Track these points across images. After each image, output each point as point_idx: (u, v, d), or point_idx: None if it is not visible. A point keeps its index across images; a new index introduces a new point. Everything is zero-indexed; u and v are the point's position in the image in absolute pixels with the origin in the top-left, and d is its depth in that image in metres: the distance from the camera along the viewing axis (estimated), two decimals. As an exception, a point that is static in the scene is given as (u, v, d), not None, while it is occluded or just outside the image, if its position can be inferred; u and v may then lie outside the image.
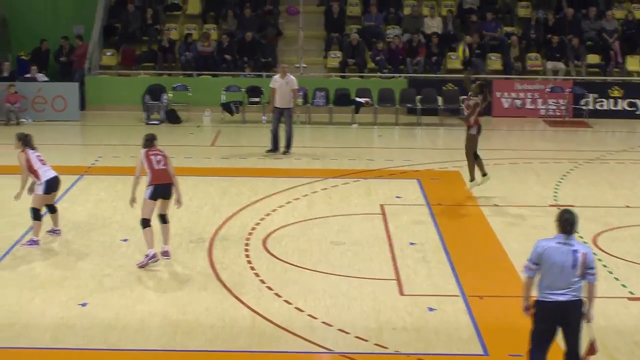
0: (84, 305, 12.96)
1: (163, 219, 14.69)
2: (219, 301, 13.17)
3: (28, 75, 28.39)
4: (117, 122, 27.18)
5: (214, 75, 29.10)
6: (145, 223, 14.39)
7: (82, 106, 28.10)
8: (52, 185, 15.25)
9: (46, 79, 28.53)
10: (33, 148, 15.32)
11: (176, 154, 21.87)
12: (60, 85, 28.14)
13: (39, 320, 12.50)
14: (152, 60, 29.82)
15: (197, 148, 23.70)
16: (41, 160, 15.20)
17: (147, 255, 14.40)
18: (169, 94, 27.75)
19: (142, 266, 14.34)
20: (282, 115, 22.78)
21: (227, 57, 29.46)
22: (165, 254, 14.69)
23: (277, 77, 23.01)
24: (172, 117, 27.17)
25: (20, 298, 13.22)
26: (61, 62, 30.13)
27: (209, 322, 12.43)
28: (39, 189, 15.11)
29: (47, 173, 15.15)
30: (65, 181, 17.19)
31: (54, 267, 14.60)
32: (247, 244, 15.68)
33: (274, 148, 22.94)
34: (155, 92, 27.56)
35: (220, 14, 31.13)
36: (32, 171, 15.08)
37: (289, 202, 18.37)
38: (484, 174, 18.90)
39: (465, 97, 19.98)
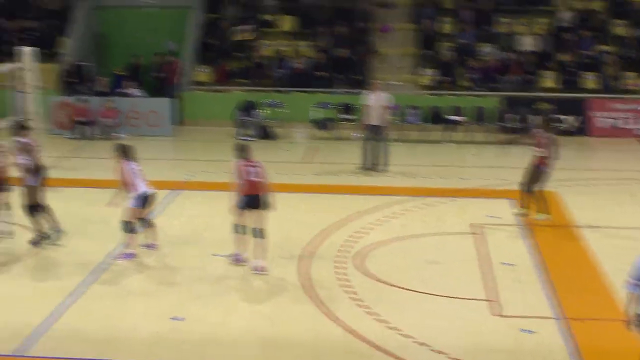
0: (178, 319, 13.08)
1: (260, 233, 14.82)
2: (311, 317, 13.18)
3: (123, 91, 28.82)
4: (211, 138, 27.44)
5: (306, 92, 29.19)
6: (237, 229, 14.80)
7: (177, 121, 28.40)
8: (145, 200, 15.36)
9: (141, 94, 28.90)
10: (131, 160, 15.40)
11: (268, 169, 22.06)
12: (154, 100, 28.51)
13: (134, 334, 12.63)
14: (245, 76, 30.04)
15: (289, 164, 23.78)
16: (138, 173, 15.31)
17: (235, 255, 14.86)
18: (262, 110, 27.89)
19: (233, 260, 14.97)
20: (374, 132, 22.78)
21: (320, 73, 29.56)
22: (260, 269, 14.78)
23: (369, 93, 23.07)
24: (265, 133, 27.31)
25: (116, 311, 13.42)
26: (155, 77, 30.53)
27: (301, 338, 12.45)
28: (131, 202, 15.24)
29: (141, 187, 15.25)
30: (160, 196, 17.44)
31: (149, 281, 14.80)
32: (338, 261, 15.67)
33: (366, 165, 22.94)
34: (248, 108, 27.75)
35: (314, 31, 31.23)
36: (126, 183, 15.21)
37: (380, 220, 18.33)
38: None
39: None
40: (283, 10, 32.28)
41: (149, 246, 15.90)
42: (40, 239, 16.16)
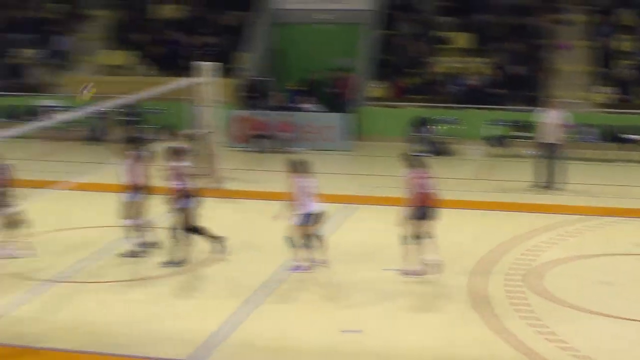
0: (351, 331, 13.23)
1: (429, 235, 15.04)
2: (482, 334, 13.16)
3: (299, 105, 29.27)
4: (385, 153, 27.51)
5: (482, 109, 29.04)
6: (405, 240, 14.88)
7: (352, 136, 28.65)
8: (311, 218, 15.36)
9: (316, 109, 29.29)
10: (304, 176, 15.45)
11: (441, 185, 22.08)
12: (329, 115, 28.86)
13: (307, 345, 12.84)
14: (420, 92, 30.08)
15: (463, 181, 23.74)
16: (309, 190, 15.30)
17: (406, 269, 15.06)
18: (437, 126, 27.88)
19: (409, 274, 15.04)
20: (549, 150, 22.56)
21: (495, 90, 29.38)
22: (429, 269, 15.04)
23: (545, 111, 22.90)
24: (439, 149, 27.27)
25: (288, 323, 13.69)
26: (329, 93, 30.88)
27: (473, 354, 12.47)
28: (296, 220, 15.32)
29: (308, 205, 15.24)
30: (334, 210, 17.71)
31: (320, 294, 15.07)
32: (511, 278, 15.58)
33: (539, 183, 22.73)
34: (422, 124, 27.78)
35: (489, 48, 31.09)
36: (294, 199, 15.31)
37: (554, 239, 18.13)
38: None
39: None
40: (458, 27, 32.20)
41: (319, 262, 15.83)
42: (171, 262, 16.32)
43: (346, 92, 30.38)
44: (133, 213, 16.69)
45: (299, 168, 15.50)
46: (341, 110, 29.49)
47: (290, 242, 15.52)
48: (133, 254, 16.77)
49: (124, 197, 16.75)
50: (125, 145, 17.04)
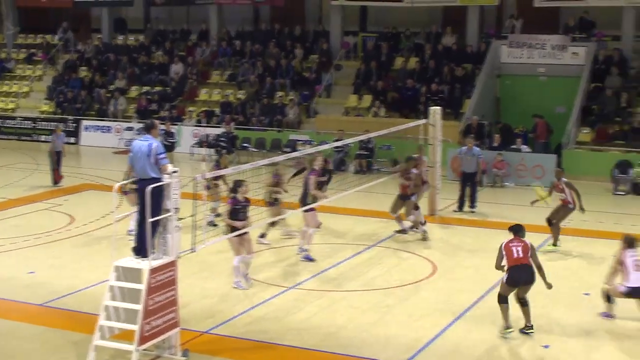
0: (546, 347, 12.83)
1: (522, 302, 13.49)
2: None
3: (514, 146, 28.73)
4: (587, 191, 26.47)
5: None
6: (501, 299, 13.47)
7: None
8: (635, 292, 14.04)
9: (529, 150, 28.67)
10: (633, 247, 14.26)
11: (638, 222, 21.12)
12: (540, 156, 28.18)
13: (507, 357, 12.59)
14: (622, 138, 28.96)
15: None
16: (637, 265, 13.97)
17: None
18: (636, 169, 26.73)
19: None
20: None
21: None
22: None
23: None
24: (637, 189, 26.14)
25: (491, 336, 13.37)
26: (532, 136, 30.08)
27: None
28: (622, 289, 14.06)
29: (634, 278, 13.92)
30: (537, 238, 17.24)
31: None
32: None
33: None
34: (623, 166, 26.75)
35: (690, 100, 29.59)
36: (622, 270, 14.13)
37: None
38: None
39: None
40: (661, 80, 30.90)
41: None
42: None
43: (541, 134, 29.75)
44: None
45: (631, 242, 14.24)
46: (549, 151, 28.72)
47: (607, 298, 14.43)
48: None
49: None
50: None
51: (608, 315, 14.24)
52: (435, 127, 21.94)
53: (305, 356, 12.67)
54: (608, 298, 14.33)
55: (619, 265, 14.07)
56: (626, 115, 29.74)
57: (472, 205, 23.00)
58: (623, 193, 25.96)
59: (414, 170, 19.78)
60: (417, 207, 19.75)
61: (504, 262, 13.39)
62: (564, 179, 18.95)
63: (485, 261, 17.61)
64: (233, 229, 15.16)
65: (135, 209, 17.42)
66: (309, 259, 17.59)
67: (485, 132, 30.06)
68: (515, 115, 31.36)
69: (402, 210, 19.84)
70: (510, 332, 13.24)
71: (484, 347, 12.93)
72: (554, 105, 31.47)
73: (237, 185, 15.47)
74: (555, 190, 19.04)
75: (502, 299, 13.36)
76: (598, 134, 29.66)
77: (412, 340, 13.11)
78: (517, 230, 13.71)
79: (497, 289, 13.66)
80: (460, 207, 22.90)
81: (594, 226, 20.59)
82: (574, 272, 17.03)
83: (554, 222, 18.69)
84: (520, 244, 13.41)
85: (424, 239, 19.42)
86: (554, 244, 18.66)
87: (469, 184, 22.94)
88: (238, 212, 15.22)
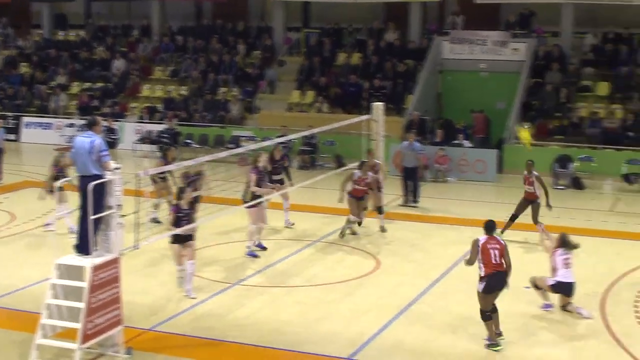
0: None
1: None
2: (608, 349, 12.69)
3: (456, 142, 29.00)
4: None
5: (616, 149, 28.12)
6: (485, 316, 12.79)
7: (499, 170, 28.22)
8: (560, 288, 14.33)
9: (470, 145, 28.97)
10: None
11: (577, 215, 21.54)
12: (481, 151, 28.48)
13: (450, 351, 12.71)
14: (562, 133, 29.41)
15: (597, 212, 22.91)
16: (566, 263, 14.25)
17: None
18: (575, 164, 27.19)
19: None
20: None
21: (630, 133, 28.37)
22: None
23: None
24: (577, 184, 26.59)
25: (435, 332, 13.52)
26: (471, 132, 30.49)
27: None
28: (549, 282, 14.35)
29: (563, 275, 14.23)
30: (479, 233, 17.41)
31: (466, 306, 14.75)
32: (637, 301, 14.96)
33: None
34: (563, 161, 27.18)
35: (626, 95, 30.06)
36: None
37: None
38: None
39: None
40: (600, 77, 31.38)
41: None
42: None
43: (479, 129, 30.18)
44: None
45: (564, 243, 14.41)
46: (488, 146, 29.11)
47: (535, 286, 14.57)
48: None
49: None
50: None
51: (549, 306, 14.47)
52: (378, 122, 22.05)
53: (250, 352, 12.68)
54: (536, 287, 14.59)
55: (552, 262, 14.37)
56: (566, 110, 30.19)
57: (415, 200, 23.20)
58: (563, 187, 26.37)
59: (370, 174, 19.58)
60: (365, 208, 19.80)
61: (482, 268, 12.64)
62: (535, 173, 19.16)
63: (428, 255, 17.86)
64: (175, 237, 14.90)
65: (64, 207, 17.28)
66: (253, 255, 17.60)
67: (427, 128, 30.31)
68: (457, 110, 31.64)
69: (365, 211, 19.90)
70: (500, 345, 12.76)
71: (426, 341, 13.06)
72: (495, 100, 31.80)
73: (181, 192, 15.15)
74: (525, 184, 19.25)
75: (486, 316, 12.71)
76: (538, 129, 30.03)
77: (356, 335, 13.19)
78: (492, 227, 13.06)
79: (441, 283, 13.79)
80: (406, 202, 23.10)
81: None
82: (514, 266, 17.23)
83: (518, 217, 18.94)
84: (497, 245, 12.73)
85: (352, 233, 19.59)
86: (502, 232, 18.64)
87: (410, 178, 23.16)
88: (180, 219, 14.80)
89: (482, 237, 12.85)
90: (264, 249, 18.04)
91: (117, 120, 31.48)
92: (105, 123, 24.56)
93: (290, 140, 26.53)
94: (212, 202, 17.05)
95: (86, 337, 11.70)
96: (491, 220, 13.15)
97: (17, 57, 40.15)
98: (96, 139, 12.20)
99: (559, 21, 32.98)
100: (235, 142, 30.93)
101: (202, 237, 18.25)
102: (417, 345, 12.88)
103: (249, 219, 17.70)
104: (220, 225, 19.32)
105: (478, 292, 12.72)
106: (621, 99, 30.30)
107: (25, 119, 35.88)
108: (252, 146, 22.28)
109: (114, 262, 12.20)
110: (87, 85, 37.36)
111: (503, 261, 12.72)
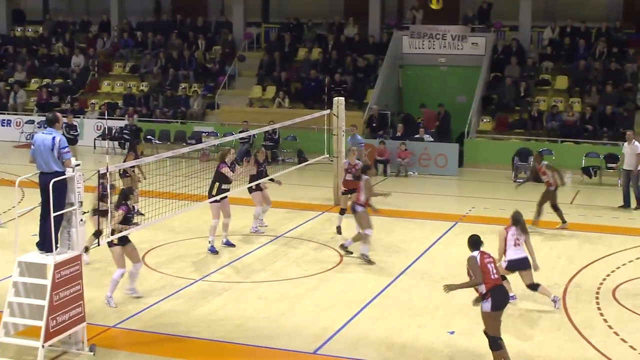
0: (452, 333, 13.07)
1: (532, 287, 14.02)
2: (570, 341, 12.80)
3: (417, 136, 29.09)
4: (489, 179, 27.19)
5: (576, 143, 28.41)
6: (495, 345, 11.51)
7: (460, 164, 28.37)
8: (513, 265, 14.14)
9: (431, 139, 29.07)
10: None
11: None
12: (442, 145, 28.59)
13: (414, 343, 12.76)
14: (522, 127, 29.64)
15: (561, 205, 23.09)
16: (516, 243, 14.14)
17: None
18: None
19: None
20: (628, 177, 22.74)
21: (589, 126, 28.67)
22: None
23: (625, 144, 23.08)
24: (537, 177, 26.67)
25: (400, 324, 13.57)
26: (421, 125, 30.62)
27: (560, 359, 12.13)
28: (502, 264, 14.03)
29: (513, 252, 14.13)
30: (441, 227, 17.55)
31: (428, 299, 14.83)
32: (597, 293, 15.15)
33: (625, 205, 22.67)
34: (523, 154, 27.39)
35: (584, 89, 30.36)
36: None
37: (638, 258, 17.52)
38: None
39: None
40: (558, 71, 31.69)
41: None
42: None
43: (429, 124, 30.29)
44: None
45: (516, 220, 14.20)
46: (450, 140, 29.27)
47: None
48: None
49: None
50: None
51: (511, 297, 14.55)
52: (338, 117, 22.07)
53: (214, 348, 12.62)
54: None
55: (503, 242, 14.19)
56: (525, 104, 30.43)
57: None
58: (523, 181, 26.52)
59: (365, 177, 19.04)
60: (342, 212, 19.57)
61: (481, 286, 11.46)
62: (545, 162, 19.71)
63: (391, 250, 17.88)
64: (119, 239, 14.15)
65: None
66: (213, 251, 17.53)
67: (388, 122, 30.40)
68: (417, 105, 31.72)
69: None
70: None
71: (391, 333, 13.09)
72: (455, 94, 32.04)
73: (129, 192, 14.59)
74: (541, 175, 19.79)
75: (497, 344, 11.40)
76: (498, 122, 30.30)
77: (321, 329, 13.18)
78: (479, 242, 11.87)
79: (403, 277, 13.76)
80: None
81: (495, 213, 21.04)
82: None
83: (542, 206, 19.61)
84: (490, 259, 11.74)
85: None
86: (533, 223, 19.18)
87: None
88: (130, 220, 14.31)
89: (475, 252, 11.70)
90: (232, 246, 17.96)
91: (77, 117, 31.20)
92: (65, 119, 24.34)
93: (252, 135, 26.52)
94: (174, 198, 16.93)
95: (49, 335, 11.57)
96: (476, 235, 11.97)
97: (-26, 54, 39.68)
98: (57, 136, 12.07)
99: (517, 16, 33.22)
100: (197, 137, 30.79)
101: (165, 234, 18.18)
102: (381, 338, 12.91)
103: (212, 214, 17.60)
104: (183, 221, 19.23)
105: (484, 314, 11.46)
106: (579, 92, 30.62)
107: (-16, 116, 35.44)
108: (214, 141, 22.26)
109: (77, 259, 12.08)
110: (46, 81, 36.97)
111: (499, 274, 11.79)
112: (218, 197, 17.27)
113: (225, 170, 17.33)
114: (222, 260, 17.05)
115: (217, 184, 17.41)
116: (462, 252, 17.59)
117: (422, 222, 20.45)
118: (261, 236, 19.00)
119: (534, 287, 14.15)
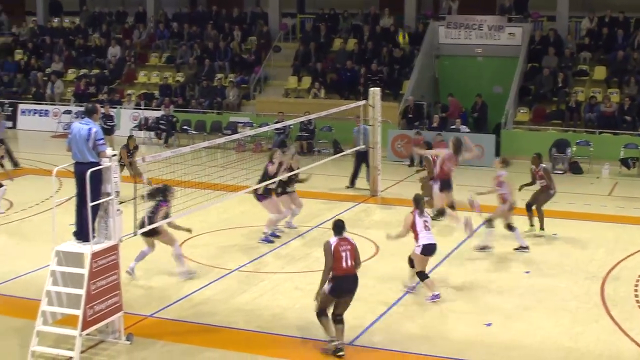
0: (489, 325, 12.99)
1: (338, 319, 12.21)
2: (608, 334, 12.67)
3: (453, 127, 28.90)
4: (526, 171, 26.86)
5: (614, 134, 28.08)
6: (321, 313, 12.10)
7: (497, 154, 28.12)
8: (428, 250, 14.20)
9: (467, 130, 28.84)
10: (421, 212, 14.19)
11: (576, 200, 21.53)
12: (479, 136, 28.29)
13: (451, 334, 12.69)
14: (559, 118, 29.37)
15: (596, 197, 22.86)
16: (426, 226, 14.17)
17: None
18: (573, 148, 27.15)
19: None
20: None
21: (627, 117, 28.33)
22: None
23: None
24: (575, 168, 26.57)
25: (435, 315, 13.49)
26: (473, 116, 30.49)
27: (597, 351, 12.03)
28: (417, 250, 14.22)
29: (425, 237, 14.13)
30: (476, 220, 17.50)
31: (459, 295, 14.73)
32: (636, 285, 14.97)
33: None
34: (561, 145, 27.13)
35: (623, 80, 30.00)
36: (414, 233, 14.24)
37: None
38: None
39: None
40: (597, 61, 31.36)
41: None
42: None
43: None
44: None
45: (418, 204, 14.24)
46: (486, 131, 29.07)
47: (420, 275, 14.33)
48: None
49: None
50: None
51: (435, 296, 14.14)
52: (374, 108, 21.99)
53: (250, 338, 12.63)
54: (411, 263, 14.41)
55: (410, 228, 14.06)
56: (563, 94, 30.12)
57: (352, 183, 23.23)
58: (561, 172, 26.33)
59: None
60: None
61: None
62: (543, 165, 18.81)
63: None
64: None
65: None
66: (268, 240, 17.67)
67: (424, 113, 30.24)
68: (454, 95, 31.51)
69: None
70: (341, 351, 11.96)
71: (427, 325, 13.02)
72: (492, 85, 31.80)
73: (167, 190, 14.92)
74: (537, 179, 18.76)
75: (322, 312, 12.02)
76: (535, 113, 30.04)
77: (357, 320, 13.11)
78: (343, 228, 12.05)
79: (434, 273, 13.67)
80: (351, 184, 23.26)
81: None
82: (519, 260, 17.23)
83: (533, 207, 18.68)
84: (348, 246, 11.86)
85: None
86: (541, 228, 18.44)
87: (363, 162, 23.01)
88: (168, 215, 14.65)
89: (333, 238, 11.88)
90: (278, 237, 18.07)
91: (113, 107, 31.34)
92: (102, 110, 24.46)
93: (287, 126, 26.52)
94: (210, 189, 16.96)
95: (86, 324, 11.64)
96: (340, 220, 12.16)
97: (12, 44, 39.97)
98: (94, 127, 12.12)
99: (554, 5, 32.89)
100: (233, 128, 30.83)
101: (200, 224, 18.22)
102: (417, 329, 12.85)
103: (268, 210, 17.79)
104: (219, 211, 19.27)
105: (322, 293, 11.88)
106: (618, 83, 30.27)
107: (22, 106, 35.71)
108: (250, 132, 22.25)
109: (113, 249, 12.14)
110: (83, 71, 37.21)
111: (354, 263, 11.89)
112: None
113: (272, 168, 17.43)
114: (258, 251, 17.06)
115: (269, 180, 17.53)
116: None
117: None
118: (298, 226, 18.95)
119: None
